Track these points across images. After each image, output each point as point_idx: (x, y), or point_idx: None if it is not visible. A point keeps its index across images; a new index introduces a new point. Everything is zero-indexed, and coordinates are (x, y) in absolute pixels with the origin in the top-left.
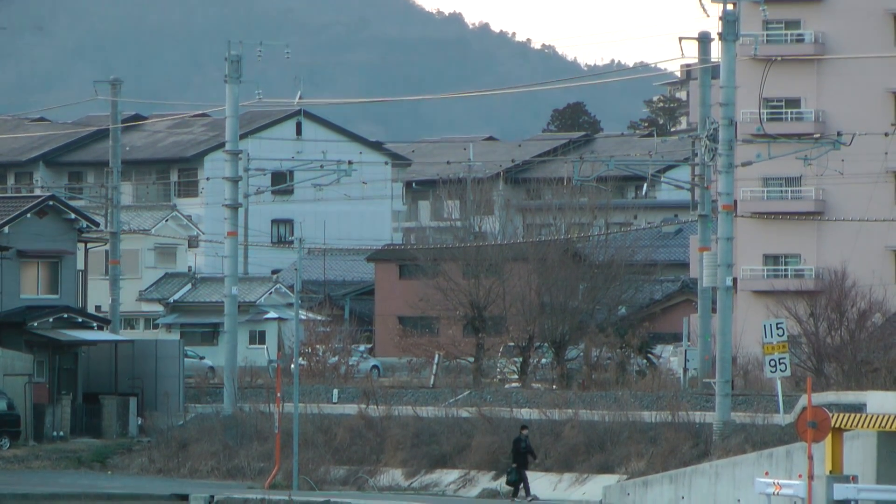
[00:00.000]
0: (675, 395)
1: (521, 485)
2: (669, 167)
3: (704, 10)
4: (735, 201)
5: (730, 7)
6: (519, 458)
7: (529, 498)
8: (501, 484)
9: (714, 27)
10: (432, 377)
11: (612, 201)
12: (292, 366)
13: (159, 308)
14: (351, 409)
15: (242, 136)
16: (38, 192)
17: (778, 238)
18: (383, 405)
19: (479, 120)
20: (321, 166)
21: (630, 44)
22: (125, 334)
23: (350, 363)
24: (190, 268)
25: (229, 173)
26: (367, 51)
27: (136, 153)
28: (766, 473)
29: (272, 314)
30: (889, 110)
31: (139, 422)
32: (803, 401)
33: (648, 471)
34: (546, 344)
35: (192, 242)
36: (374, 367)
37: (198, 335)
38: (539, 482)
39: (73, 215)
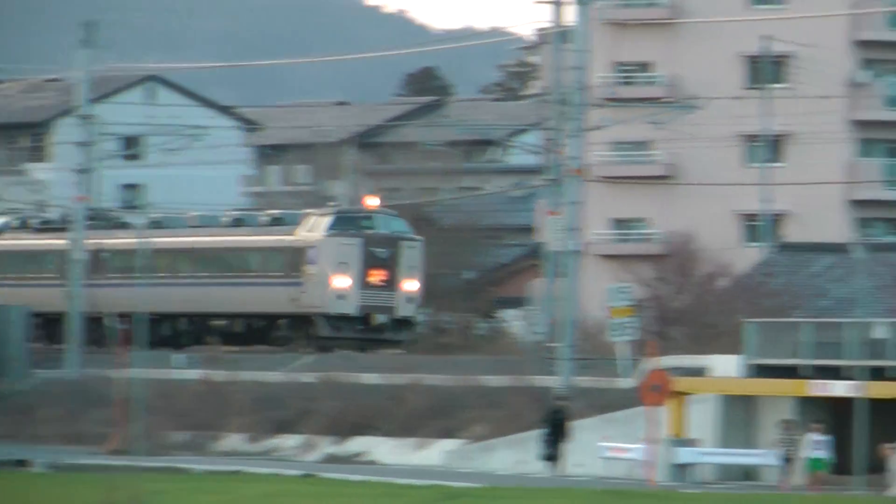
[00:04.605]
0: (519, 360)
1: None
2: (521, 131)
3: None
4: (586, 165)
5: None
6: (554, 430)
7: (555, 473)
8: (343, 448)
9: None
10: None
11: (463, 165)
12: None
13: None
14: (195, 374)
15: (95, 101)
16: None
17: (627, 202)
18: (227, 370)
19: (331, 84)
20: (173, 131)
21: (483, 8)
22: None
23: None
24: None
25: (81, 138)
26: (220, 15)
27: None
28: (609, 437)
29: None
30: (740, 74)
31: None
32: (647, 364)
33: (491, 435)
34: None
35: (43, 207)
36: None
37: None
38: (381, 447)
39: None
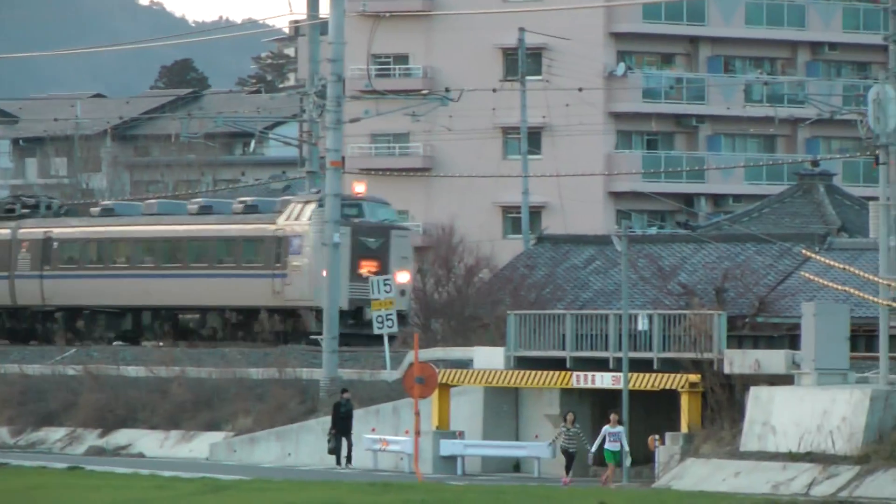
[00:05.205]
0: (281, 352)
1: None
2: (278, 123)
3: None
4: (343, 158)
5: None
6: (339, 423)
7: (344, 466)
8: (108, 441)
9: None
10: None
11: (221, 158)
12: None
13: None
14: None
15: None
16: None
17: (387, 194)
18: None
19: (88, 76)
20: None
21: (238, 0)
22: None
23: None
24: None
25: None
26: None
27: None
28: (374, 430)
29: None
30: (498, 66)
31: None
32: (410, 357)
33: (255, 428)
34: None
35: None
36: None
37: None
38: (146, 440)
39: None
